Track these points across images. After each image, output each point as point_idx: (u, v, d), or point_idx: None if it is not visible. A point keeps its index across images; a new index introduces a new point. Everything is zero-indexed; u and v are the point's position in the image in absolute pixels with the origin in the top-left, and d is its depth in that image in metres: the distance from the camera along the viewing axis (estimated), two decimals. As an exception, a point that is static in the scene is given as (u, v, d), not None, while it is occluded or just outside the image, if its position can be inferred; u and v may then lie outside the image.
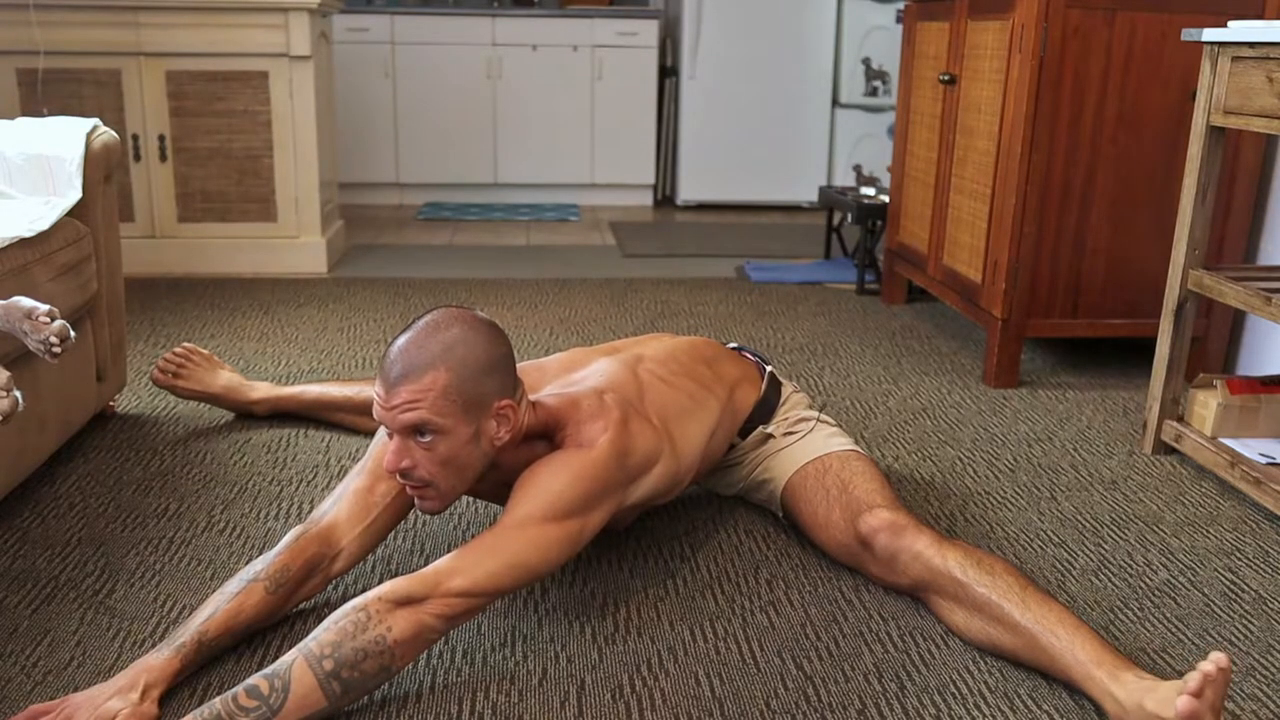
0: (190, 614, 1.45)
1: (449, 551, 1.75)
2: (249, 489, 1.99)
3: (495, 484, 1.57)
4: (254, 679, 1.24)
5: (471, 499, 1.96)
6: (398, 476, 1.43)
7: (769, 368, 1.92)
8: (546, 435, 1.53)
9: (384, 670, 1.30)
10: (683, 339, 1.87)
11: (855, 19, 5.23)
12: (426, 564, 1.71)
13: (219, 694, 1.35)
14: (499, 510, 1.91)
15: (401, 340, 1.40)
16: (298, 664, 1.25)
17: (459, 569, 1.35)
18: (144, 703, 1.31)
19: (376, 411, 1.41)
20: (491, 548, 1.38)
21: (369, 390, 2.22)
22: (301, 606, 1.57)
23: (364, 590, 1.62)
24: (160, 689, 1.34)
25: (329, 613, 1.55)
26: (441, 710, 1.35)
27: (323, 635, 1.28)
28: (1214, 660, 1.19)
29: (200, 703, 1.35)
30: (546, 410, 1.52)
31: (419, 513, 1.50)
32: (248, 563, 1.64)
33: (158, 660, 1.36)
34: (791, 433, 1.83)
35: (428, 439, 1.39)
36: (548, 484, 1.44)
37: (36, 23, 3.42)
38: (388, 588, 1.32)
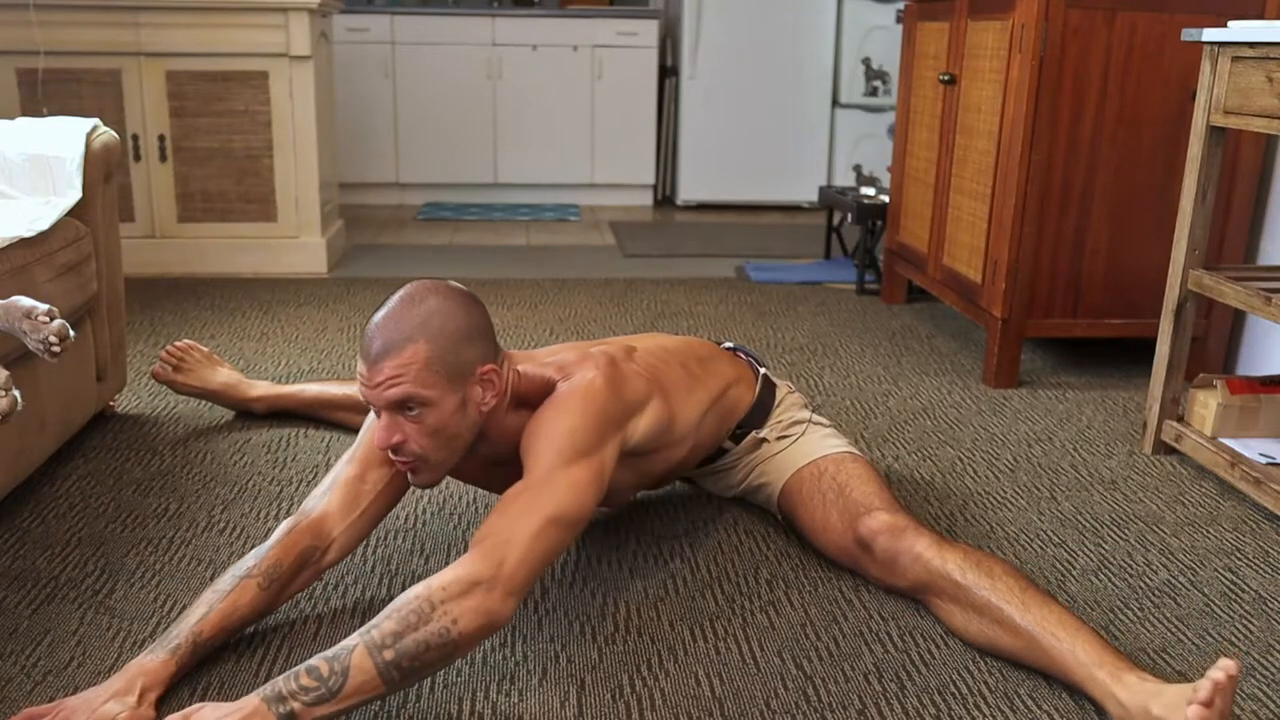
0: (183, 613, 1.43)
1: (449, 557, 1.75)
2: (249, 489, 1.99)
3: (486, 460, 1.57)
4: (315, 660, 1.24)
5: (472, 502, 1.96)
6: (389, 453, 1.43)
7: (763, 370, 1.91)
8: (535, 403, 1.53)
9: (446, 658, 1.27)
10: (676, 337, 1.87)
11: (855, 19, 5.23)
12: (427, 564, 1.71)
13: (218, 696, 1.35)
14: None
15: (378, 316, 1.41)
16: (358, 651, 1.23)
17: (510, 539, 1.32)
18: (141, 706, 1.30)
19: (361, 390, 1.41)
20: (529, 507, 1.36)
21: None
22: (297, 599, 1.57)
23: (357, 577, 1.62)
24: (157, 692, 1.33)
25: (323, 605, 1.55)
26: (441, 710, 1.35)
27: (385, 624, 1.25)
28: (1223, 668, 1.18)
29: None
30: (533, 379, 1.53)
31: (414, 489, 1.50)
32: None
33: (153, 663, 1.34)
34: (785, 436, 1.83)
35: (415, 412, 1.40)
36: (556, 426, 1.45)
37: (36, 23, 3.42)
38: (451, 577, 1.27)
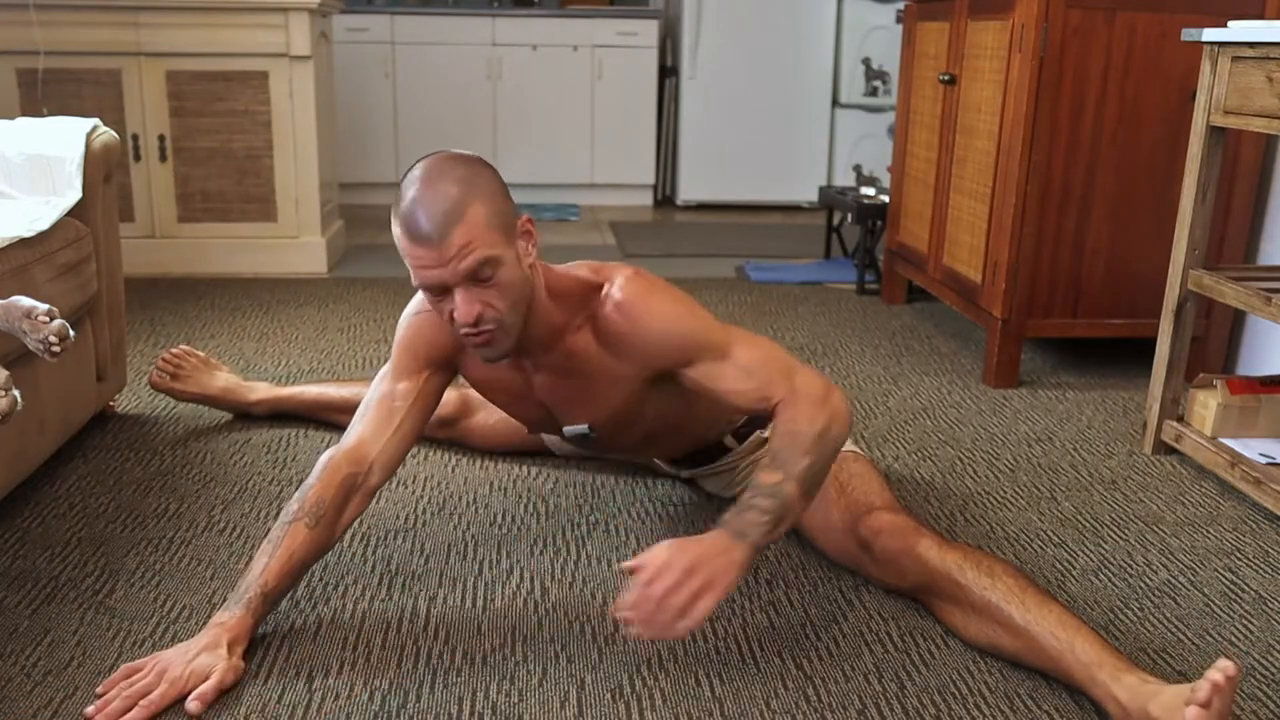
0: (248, 568, 1.47)
1: (449, 558, 1.75)
2: (249, 489, 1.99)
3: (547, 366, 1.58)
4: (759, 499, 1.39)
5: (472, 502, 1.96)
6: (470, 328, 1.40)
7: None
8: (569, 297, 1.53)
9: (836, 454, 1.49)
10: None
11: (855, 19, 5.23)
12: (427, 564, 1.71)
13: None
14: (499, 512, 1.91)
15: (416, 194, 1.35)
16: (789, 486, 1.40)
17: (776, 377, 1.50)
18: (231, 659, 1.37)
19: (424, 276, 1.37)
20: (769, 359, 1.53)
21: (367, 391, 2.21)
22: (297, 599, 1.57)
23: (357, 577, 1.62)
24: (242, 645, 1.41)
25: (323, 605, 1.55)
26: (441, 710, 1.35)
27: (801, 461, 1.42)
28: (1222, 669, 1.18)
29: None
30: (560, 272, 1.55)
31: (485, 359, 1.51)
32: (248, 562, 1.64)
33: (231, 619, 1.41)
34: (790, 434, 1.83)
35: (490, 276, 1.37)
36: (685, 326, 1.52)
37: (36, 23, 3.42)
38: (803, 412, 1.46)
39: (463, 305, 1.37)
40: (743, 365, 1.51)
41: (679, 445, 1.83)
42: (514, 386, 1.66)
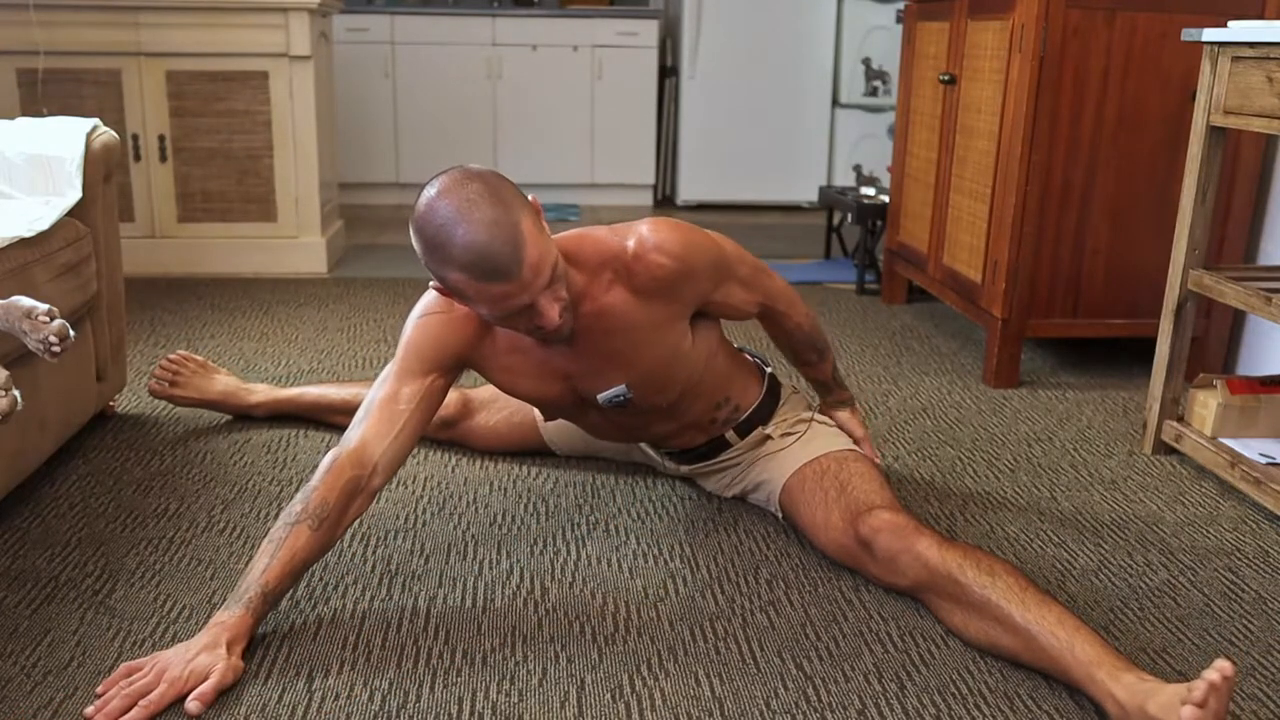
0: (248, 567, 1.47)
1: (449, 558, 1.76)
2: (249, 489, 1.99)
3: (588, 332, 1.60)
4: None
5: (472, 502, 1.96)
6: (556, 326, 1.47)
7: (769, 369, 1.92)
8: (587, 263, 1.57)
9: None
10: None
11: (855, 19, 5.23)
12: (427, 564, 1.71)
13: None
14: (499, 512, 1.91)
15: (466, 234, 1.34)
16: None
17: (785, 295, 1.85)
18: (231, 658, 1.37)
19: (508, 306, 1.41)
20: (783, 291, 1.87)
21: (366, 392, 2.21)
22: (297, 599, 1.57)
23: (357, 577, 1.62)
24: (242, 645, 1.41)
25: (323, 605, 1.55)
26: (441, 710, 1.35)
27: None
28: (1219, 669, 1.18)
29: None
30: (566, 235, 1.59)
31: (553, 341, 1.59)
32: (248, 561, 1.64)
33: (231, 618, 1.41)
34: (790, 434, 1.84)
35: (560, 270, 1.44)
36: (723, 248, 1.67)
37: (36, 23, 3.42)
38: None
39: (549, 312, 1.43)
40: (762, 287, 1.78)
41: (691, 416, 1.81)
42: (541, 366, 1.66)
